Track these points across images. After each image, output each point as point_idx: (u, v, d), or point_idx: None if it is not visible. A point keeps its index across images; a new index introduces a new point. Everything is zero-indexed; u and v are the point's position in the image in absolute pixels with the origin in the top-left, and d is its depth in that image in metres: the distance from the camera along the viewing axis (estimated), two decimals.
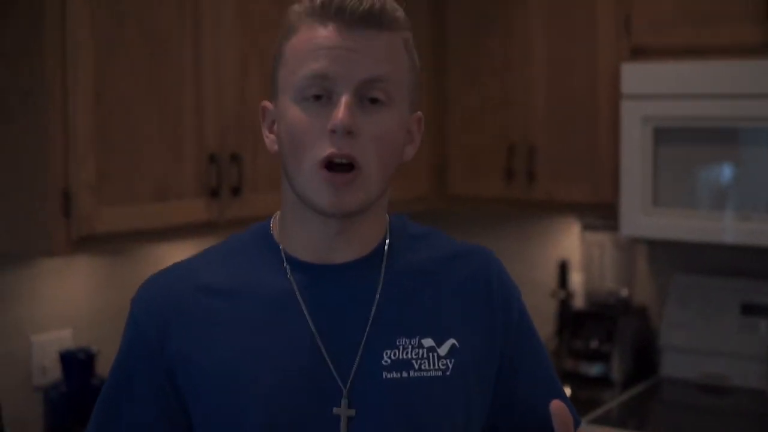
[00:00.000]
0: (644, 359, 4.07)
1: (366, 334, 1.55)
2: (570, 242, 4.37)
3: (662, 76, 3.65)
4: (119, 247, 3.25)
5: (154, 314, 1.59)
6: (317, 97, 1.50)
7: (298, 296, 1.56)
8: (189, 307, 1.58)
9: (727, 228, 3.60)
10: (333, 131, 1.47)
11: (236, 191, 3.23)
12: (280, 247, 1.61)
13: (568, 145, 3.92)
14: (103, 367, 3.19)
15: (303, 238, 1.58)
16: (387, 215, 1.66)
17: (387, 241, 1.63)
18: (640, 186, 3.71)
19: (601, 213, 3.96)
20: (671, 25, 3.68)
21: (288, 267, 1.58)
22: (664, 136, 3.67)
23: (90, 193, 2.84)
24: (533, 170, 3.98)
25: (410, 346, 1.56)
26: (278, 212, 1.66)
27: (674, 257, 4.14)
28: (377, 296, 1.58)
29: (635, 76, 3.68)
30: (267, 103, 1.63)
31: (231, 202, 3.23)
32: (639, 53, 3.75)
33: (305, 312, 1.55)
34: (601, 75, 3.82)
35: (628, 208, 3.74)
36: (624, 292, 4.17)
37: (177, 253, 3.54)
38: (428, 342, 1.57)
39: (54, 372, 3.17)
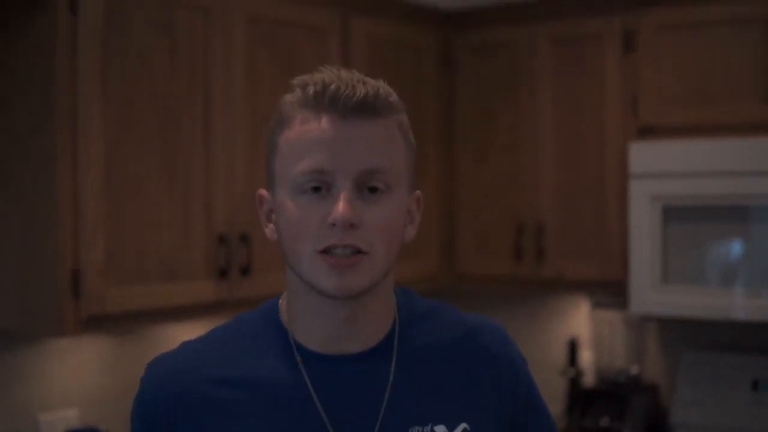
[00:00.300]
0: None
1: (379, 424, 1.52)
2: (579, 320, 4.36)
3: (670, 155, 3.66)
4: (128, 327, 3.24)
5: (160, 403, 1.55)
6: (316, 189, 1.47)
7: (310, 388, 1.53)
8: (196, 398, 1.54)
9: (737, 305, 3.59)
10: (334, 224, 1.44)
11: (245, 271, 3.24)
12: (290, 334, 1.57)
13: (576, 223, 3.93)
14: None
15: (312, 327, 1.55)
16: (394, 293, 1.63)
17: (397, 329, 1.60)
18: (649, 264, 3.71)
19: (611, 291, 3.95)
20: (678, 104, 3.71)
21: (299, 357, 1.55)
22: (672, 214, 3.68)
23: (99, 273, 2.85)
24: (542, 248, 3.99)
25: None
26: (285, 293, 1.63)
27: (684, 334, 4.13)
28: (389, 386, 1.55)
29: (643, 155, 3.70)
30: (263, 192, 1.60)
31: (240, 282, 3.23)
32: (646, 132, 3.77)
33: (317, 404, 1.52)
34: (609, 154, 3.85)
35: (637, 286, 3.74)
36: (634, 370, 4.15)
37: (186, 333, 3.53)
38: (441, 429, 1.55)
39: None
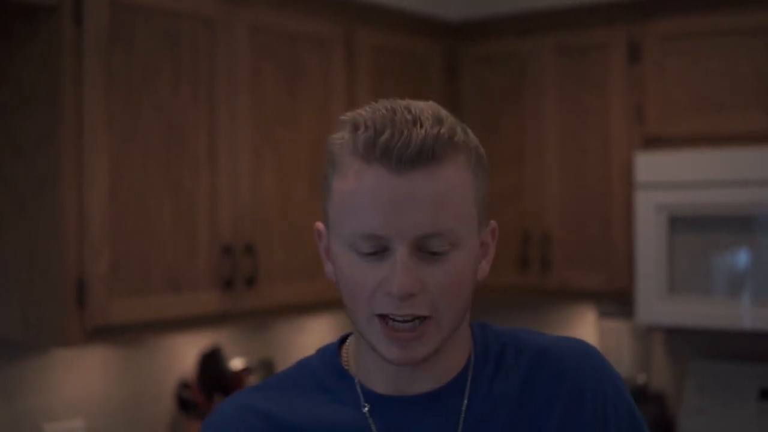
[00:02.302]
0: None
1: None
2: (586, 330, 4.35)
3: (675, 165, 3.66)
4: (132, 337, 3.25)
5: None
6: (371, 253, 1.32)
7: (373, 429, 1.41)
8: None
9: (744, 314, 3.58)
10: (390, 292, 1.30)
11: (250, 282, 3.24)
12: (356, 380, 1.46)
13: (582, 233, 3.93)
14: None
15: (377, 371, 1.43)
16: (469, 327, 1.49)
17: (471, 366, 1.47)
18: (655, 273, 3.71)
19: (617, 301, 3.95)
20: (683, 114, 3.71)
21: (365, 403, 1.44)
22: (678, 223, 3.68)
23: (104, 284, 2.85)
24: (548, 258, 3.99)
25: None
26: (350, 335, 1.51)
27: (691, 344, 4.12)
28: (460, 427, 1.42)
29: (648, 164, 3.70)
30: (321, 227, 1.44)
31: (245, 293, 3.23)
32: (652, 142, 3.77)
33: None
34: (614, 164, 3.85)
35: (643, 296, 3.73)
36: (641, 379, 4.14)
37: (191, 344, 3.55)
38: None
39: None
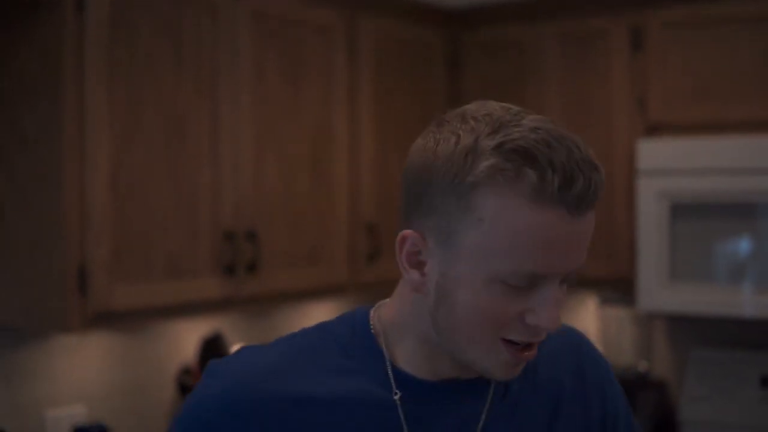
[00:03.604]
0: None
1: None
2: (587, 317, 4.36)
3: (678, 152, 3.66)
4: (134, 324, 3.25)
5: (225, 414, 1.37)
6: (521, 286, 1.30)
7: (400, 413, 1.39)
8: (271, 415, 1.37)
9: (746, 302, 3.58)
10: (537, 326, 1.30)
11: (252, 268, 3.25)
12: (386, 357, 1.43)
13: None
14: None
15: (414, 354, 1.41)
16: None
17: None
18: (657, 261, 3.71)
19: (619, 288, 3.95)
20: (686, 102, 3.72)
21: (397, 391, 1.40)
22: (680, 211, 3.68)
23: (105, 271, 2.86)
24: None
25: None
26: (381, 309, 1.47)
27: (693, 331, 4.13)
28: (482, 421, 1.43)
29: (651, 152, 3.70)
30: (410, 234, 1.35)
31: (246, 280, 3.24)
32: (654, 130, 3.78)
33: (404, 428, 1.39)
34: (616, 151, 3.85)
35: (645, 283, 3.74)
36: (642, 367, 4.14)
37: (192, 330, 3.56)
38: None
39: None
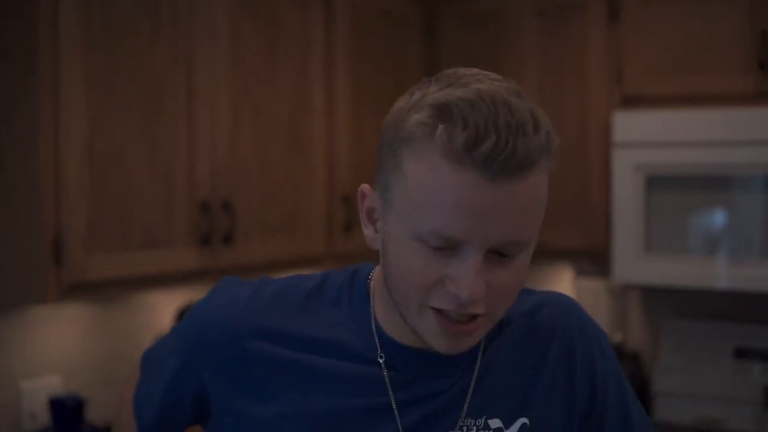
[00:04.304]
0: None
1: (433, 414, 1.42)
2: (562, 289, 4.37)
3: (654, 125, 3.67)
4: (110, 294, 3.25)
5: (215, 336, 1.45)
6: (439, 247, 1.26)
7: (387, 379, 1.41)
8: (253, 346, 1.43)
9: (720, 273, 3.60)
10: (456, 294, 1.26)
11: (228, 239, 3.24)
12: (373, 318, 1.44)
13: (559, 192, 3.93)
14: (93, 413, 3.19)
15: (401, 325, 1.39)
16: None
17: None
18: (632, 232, 3.72)
19: (594, 259, 3.97)
20: (663, 74, 3.72)
21: (382, 354, 1.41)
22: (656, 183, 3.69)
23: (81, 241, 2.84)
24: None
25: (475, 428, 1.42)
26: (378, 275, 1.47)
27: (667, 303, 4.15)
28: (471, 388, 1.43)
29: (627, 124, 3.70)
30: (367, 189, 1.38)
31: (222, 250, 3.23)
32: (631, 102, 3.78)
33: (387, 383, 1.41)
34: (592, 123, 3.85)
35: (620, 255, 3.75)
36: (617, 338, 4.16)
37: (168, 300, 3.55)
38: (495, 423, 1.42)
39: (43, 418, 3.17)
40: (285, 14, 3.49)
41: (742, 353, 3.86)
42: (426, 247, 1.26)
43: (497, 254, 1.26)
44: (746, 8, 3.57)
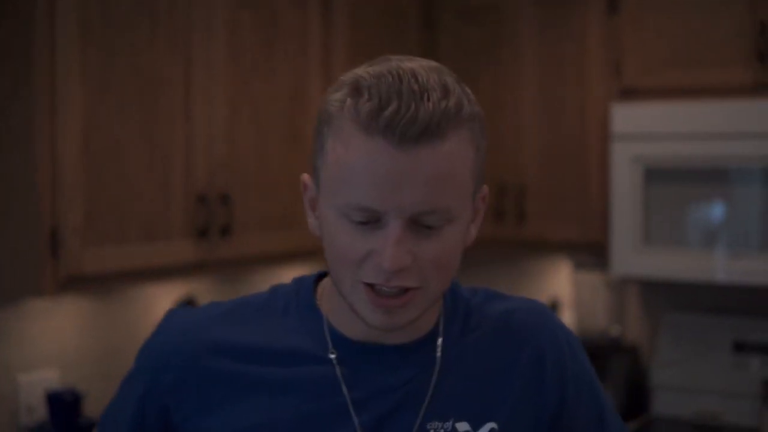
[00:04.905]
0: (636, 398, 4.06)
1: (399, 415, 1.41)
2: (560, 281, 4.37)
3: (652, 117, 3.66)
4: (107, 287, 3.24)
5: (170, 363, 1.45)
6: (363, 222, 1.29)
7: (338, 371, 1.41)
8: (209, 366, 1.43)
9: (719, 267, 3.60)
10: (380, 265, 1.28)
11: (225, 232, 3.23)
12: (324, 318, 1.45)
13: (558, 184, 3.93)
14: (90, 407, 3.18)
15: (349, 318, 1.40)
16: None
17: (441, 325, 1.47)
18: (630, 225, 3.72)
19: (592, 252, 3.96)
20: (662, 66, 3.71)
21: (332, 349, 1.42)
22: (654, 175, 3.68)
23: (78, 234, 2.83)
24: (523, 210, 3.99)
25: (442, 430, 1.41)
26: (323, 274, 1.50)
27: (666, 296, 4.14)
28: (431, 384, 1.43)
29: (625, 116, 3.70)
30: (307, 178, 1.41)
31: (220, 243, 3.22)
32: (629, 94, 3.77)
33: (343, 387, 1.41)
34: (591, 115, 3.85)
35: (619, 248, 3.75)
36: (615, 331, 4.16)
37: (165, 293, 3.54)
38: (463, 426, 1.42)
39: (40, 412, 3.15)
40: (283, 9, 3.48)
41: (740, 347, 3.86)
42: (351, 223, 1.29)
43: (421, 226, 1.29)
44: (745, 0, 3.56)
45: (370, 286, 1.31)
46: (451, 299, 1.51)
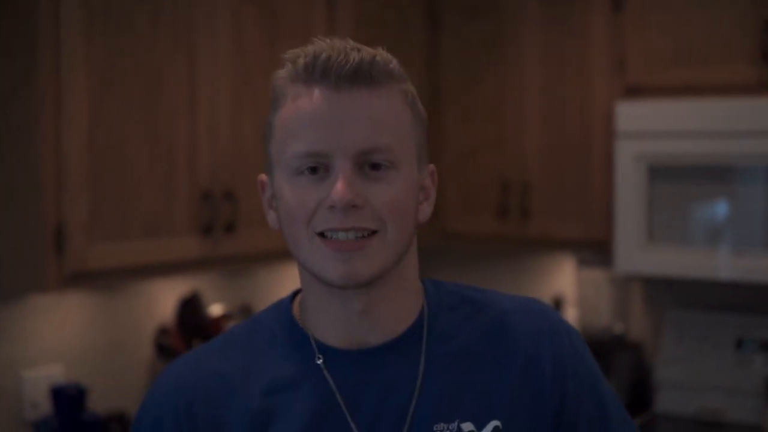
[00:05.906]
0: (639, 395, 4.06)
1: (405, 421, 1.42)
2: (564, 279, 4.37)
3: (656, 115, 3.66)
4: (111, 283, 3.24)
5: (167, 416, 1.47)
6: (313, 170, 1.36)
7: (332, 386, 1.43)
8: (209, 402, 1.46)
9: (722, 264, 3.60)
10: (333, 207, 1.34)
11: (229, 228, 3.23)
12: (309, 333, 1.47)
13: (562, 182, 3.93)
14: (94, 402, 3.19)
15: (327, 322, 1.45)
16: (421, 283, 1.52)
17: (425, 320, 1.48)
18: (634, 223, 3.72)
19: (596, 249, 3.96)
20: (666, 64, 3.71)
21: (320, 356, 1.45)
22: (658, 173, 3.68)
23: (82, 230, 2.84)
24: (527, 207, 3.99)
25: (448, 431, 1.42)
26: (298, 291, 1.53)
27: (669, 293, 4.14)
28: (416, 380, 1.44)
29: (630, 114, 3.69)
30: (263, 177, 1.48)
31: (224, 239, 3.23)
32: (634, 92, 3.77)
33: (340, 402, 1.42)
34: (595, 113, 3.84)
35: (622, 245, 3.75)
36: (619, 328, 4.16)
37: (169, 289, 3.54)
38: (468, 426, 1.42)
39: (45, 407, 3.16)
40: (286, 5, 3.48)
41: (743, 344, 3.86)
42: (303, 177, 1.37)
43: (368, 169, 1.36)
44: None
45: (327, 238, 1.36)
46: (434, 291, 1.52)
